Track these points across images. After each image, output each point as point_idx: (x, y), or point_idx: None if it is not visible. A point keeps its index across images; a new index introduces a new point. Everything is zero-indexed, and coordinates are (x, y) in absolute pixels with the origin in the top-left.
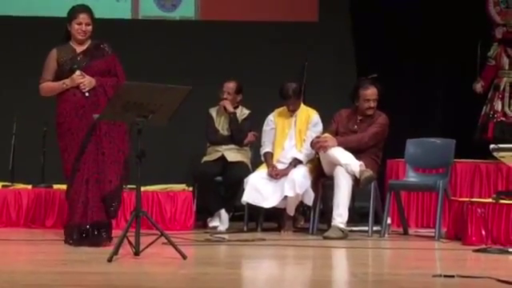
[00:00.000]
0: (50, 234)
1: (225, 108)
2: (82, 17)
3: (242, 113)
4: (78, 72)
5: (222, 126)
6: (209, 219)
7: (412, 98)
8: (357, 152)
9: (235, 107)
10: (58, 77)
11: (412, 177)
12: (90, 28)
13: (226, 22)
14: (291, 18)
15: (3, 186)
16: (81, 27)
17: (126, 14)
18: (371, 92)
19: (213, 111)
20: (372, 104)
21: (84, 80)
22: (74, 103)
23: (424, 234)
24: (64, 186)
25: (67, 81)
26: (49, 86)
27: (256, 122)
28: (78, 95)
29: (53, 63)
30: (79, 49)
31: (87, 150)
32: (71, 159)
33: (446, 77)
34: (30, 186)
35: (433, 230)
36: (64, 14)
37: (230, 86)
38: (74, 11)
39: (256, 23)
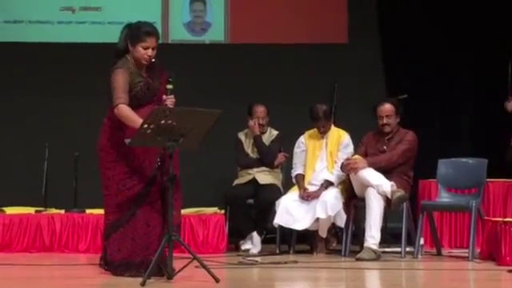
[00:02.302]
0: (83, 259)
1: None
2: (150, 41)
3: (271, 134)
4: (172, 96)
5: (251, 149)
6: (241, 242)
7: (442, 118)
8: (387, 172)
9: (264, 131)
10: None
11: (444, 197)
12: (155, 52)
13: (255, 44)
14: (321, 40)
15: (36, 211)
16: (147, 52)
17: None
18: (384, 108)
19: (241, 135)
20: (385, 120)
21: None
22: None
23: (457, 254)
24: (97, 211)
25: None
26: (132, 116)
27: (286, 144)
28: None
29: (125, 84)
30: (143, 71)
31: (156, 179)
32: (135, 189)
33: (477, 96)
34: (63, 211)
35: (466, 251)
36: (96, 40)
37: (262, 109)
38: (141, 33)
39: (286, 46)
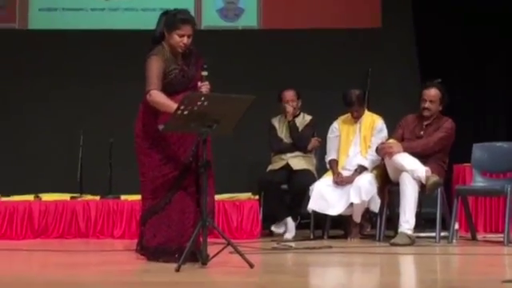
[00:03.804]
0: (118, 245)
1: (286, 116)
2: (186, 28)
3: (304, 119)
4: (206, 82)
5: (284, 134)
6: (273, 226)
7: (477, 102)
8: (423, 157)
9: (297, 114)
10: (163, 89)
11: (479, 182)
12: (190, 40)
13: (288, 30)
14: (354, 24)
15: (72, 197)
16: (183, 40)
17: None
18: (429, 93)
19: (275, 121)
20: (427, 105)
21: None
22: None
23: (493, 239)
24: (131, 197)
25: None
26: (164, 101)
27: (320, 130)
28: None
29: (159, 70)
30: (179, 58)
31: (192, 166)
32: (170, 176)
33: (510, 78)
34: (98, 198)
35: (501, 235)
36: (129, 26)
37: (291, 93)
38: (177, 20)
39: (319, 30)
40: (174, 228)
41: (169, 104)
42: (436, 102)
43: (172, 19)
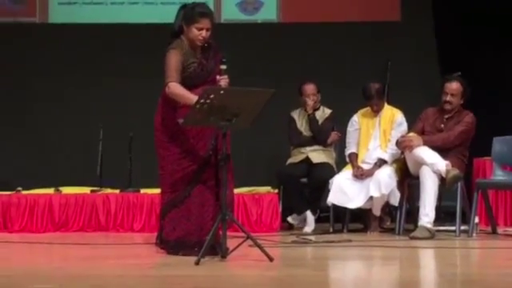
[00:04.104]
0: (138, 238)
1: (306, 110)
2: (204, 22)
3: (324, 113)
4: (225, 76)
5: (304, 127)
6: (289, 217)
7: (497, 95)
8: (443, 151)
9: (317, 108)
10: (181, 82)
11: (499, 175)
12: (209, 33)
13: (307, 23)
14: (373, 17)
15: (92, 191)
16: (201, 33)
17: None
18: (451, 86)
19: (294, 114)
20: (449, 98)
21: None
22: None
23: None
24: (151, 191)
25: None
26: (182, 92)
27: (339, 123)
28: None
29: (178, 64)
30: (198, 51)
31: (211, 160)
32: (189, 169)
33: None
34: (117, 191)
35: None
36: (149, 20)
37: (311, 87)
38: (195, 14)
39: (338, 24)
40: (194, 221)
41: (188, 96)
42: (458, 95)
43: (190, 12)
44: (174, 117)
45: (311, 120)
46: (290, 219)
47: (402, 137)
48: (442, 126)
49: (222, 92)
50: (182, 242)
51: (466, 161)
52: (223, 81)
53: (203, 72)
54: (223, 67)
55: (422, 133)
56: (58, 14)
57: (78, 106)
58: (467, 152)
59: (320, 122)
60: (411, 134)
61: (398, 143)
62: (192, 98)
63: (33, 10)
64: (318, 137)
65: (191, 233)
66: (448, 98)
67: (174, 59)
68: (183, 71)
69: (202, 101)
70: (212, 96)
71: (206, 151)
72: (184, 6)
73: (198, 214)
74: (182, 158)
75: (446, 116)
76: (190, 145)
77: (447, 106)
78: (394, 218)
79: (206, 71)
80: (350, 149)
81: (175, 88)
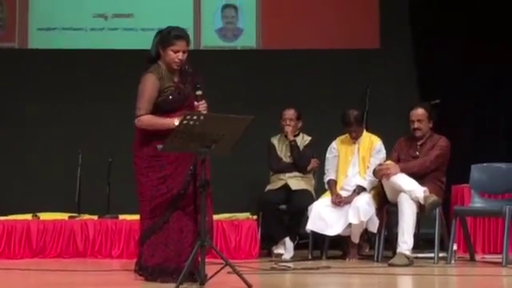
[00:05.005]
0: (116, 265)
1: (285, 136)
2: (180, 44)
3: (304, 139)
4: (203, 101)
5: (284, 153)
6: (274, 247)
7: (475, 123)
8: (420, 178)
9: (296, 134)
10: (158, 107)
11: (477, 202)
12: (185, 56)
13: (287, 50)
14: (352, 45)
15: (70, 217)
16: (178, 55)
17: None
18: (415, 112)
19: (274, 140)
20: (417, 125)
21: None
22: None
23: (491, 260)
24: (130, 217)
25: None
26: (154, 121)
27: (318, 150)
28: None
29: (153, 91)
30: (175, 76)
31: (189, 186)
32: (168, 195)
33: (510, 101)
34: (96, 217)
35: (500, 256)
36: (128, 46)
37: (291, 113)
38: (171, 37)
39: (317, 51)
40: (172, 247)
41: (162, 122)
42: (424, 120)
43: (166, 36)
44: (152, 142)
45: (292, 147)
46: (275, 251)
47: (379, 165)
48: (417, 153)
49: (202, 118)
50: (160, 268)
51: (443, 187)
52: (201, 106)
53: (180, 96)
54: (198, 93)
55: (397, 162)
56: (38, 40)
57: (56, 131)
58: (444, 178)
59: (300, 149)
60: (388, 162)
61: (375, 172)
62: (167, 122)
63: (12, 36)
64: (299, 164)
65: (170, 259)
66: (416, 125)
67: (148, 86)
68: (159, 95)
69: (181, 127)
70: (192, 121)
71: (184, 177)
72: (160, 31)
73: (177, 240)
74: (161, 183)
75: (419, 143)
76: (168, 170)
77: (417, 133)
78: (373, 245)
79: (183, 95)
80: (329, 175)
81: (146, 120)
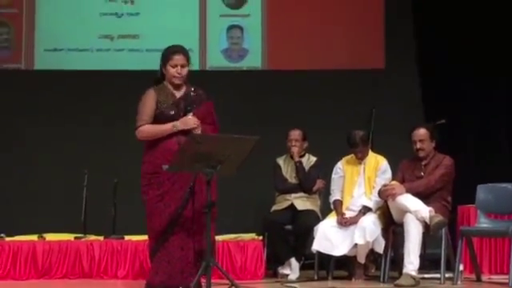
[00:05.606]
0: (121, 285)
1: (291, 156)
2: (177, 58)
3: (309, 160)
4: (190, 114)
5: (289, 174)
6: (279, 267)
7: (481, 143)
8: (425, 197)
9: (302, 155)
10: (155, 119)
11: (484, 223)
12: (185, 70)
13: (292, 71)
14: (358, 65)
15: (76, 237)
16: (176, 69)
17: (194, 65)
18: (418, 133)
19: (280, 160)
20: (419, 145)
21: (198, 123)
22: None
23: (497, 280)
24: (135, 237)
25: (177, 123)
26: (153, 129)
27: (324, 170)
28: (177, 145)
29: (151, 104)
30: (178, 93)
31: (187, 205)
32: (166, 212)
33: None
34: (101, 238)
35: (507, 277)
36: (134, 67)
37: (296, 133)
38: (168, 52)
39: (322, 72)
40: (175, 265)
41: (160, 128)
42: (426, 140)
43: (165, 53)
44: (150, 160)
45: (298, 168)
46: (281, 271)
47: (385, 186)
48: (422, 173)
49: (207, 139)
50: (164, 286)
51: (449, 207)
52: (197, 129)
53: (177, 109)
54: (189, 116)
55: (402, 183)
56: (44, 61)
57: (62, 152)
58: (450, 197)
59: (306, 170)
60: (393, 183)
61: (380, 193)
62: (165, 127)
63: (18, 57)
64: (305, 184)
65: (174, 276)
66: (418, 145)
67: (146, 99)
68: (157, 107)
69: (186, 147)
70: (197, 142)
71: (182, 193)
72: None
73: (178, 257)
74: (159, 201)
75: (423, 163)
76: (165, 187)
77: (421, 154)
78: (379, 266)
79: (180, 109)
80: (335, 196)
81: (145, 130)
